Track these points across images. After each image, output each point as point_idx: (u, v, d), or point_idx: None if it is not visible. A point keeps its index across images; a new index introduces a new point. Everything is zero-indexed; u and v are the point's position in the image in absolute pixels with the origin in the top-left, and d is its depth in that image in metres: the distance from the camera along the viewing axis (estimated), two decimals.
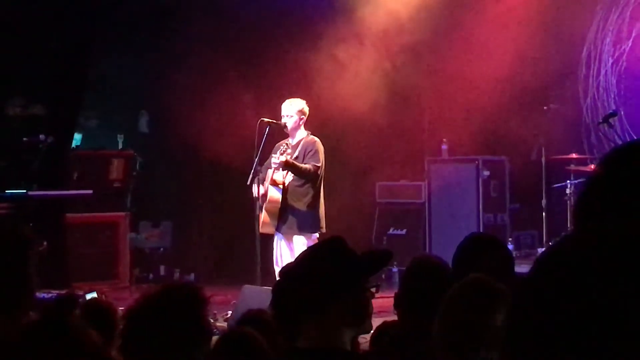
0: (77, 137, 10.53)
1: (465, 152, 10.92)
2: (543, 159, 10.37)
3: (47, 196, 9.34)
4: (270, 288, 2.87)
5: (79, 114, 10.50)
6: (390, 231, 11.21)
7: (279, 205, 7.86)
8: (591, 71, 11.00)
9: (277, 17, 10.65)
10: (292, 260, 2.99)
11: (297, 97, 8.11)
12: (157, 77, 11.03)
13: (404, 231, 11.14)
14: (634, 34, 10.69)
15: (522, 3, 10.33)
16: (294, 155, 7.86)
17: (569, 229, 9.40)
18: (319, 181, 7.92)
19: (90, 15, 10.10)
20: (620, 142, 9.43)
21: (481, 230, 10.17)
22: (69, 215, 9.91)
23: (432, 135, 11.35)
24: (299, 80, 9.64)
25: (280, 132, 8.11)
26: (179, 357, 2.76)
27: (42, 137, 9.37)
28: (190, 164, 11.32)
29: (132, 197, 10.53)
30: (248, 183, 7.88)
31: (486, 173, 10.77)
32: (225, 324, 7.41)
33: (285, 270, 2.81)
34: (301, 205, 7.87)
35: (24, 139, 9.43)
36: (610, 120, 9.54)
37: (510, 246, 9.86)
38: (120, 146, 10.93)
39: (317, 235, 7.82)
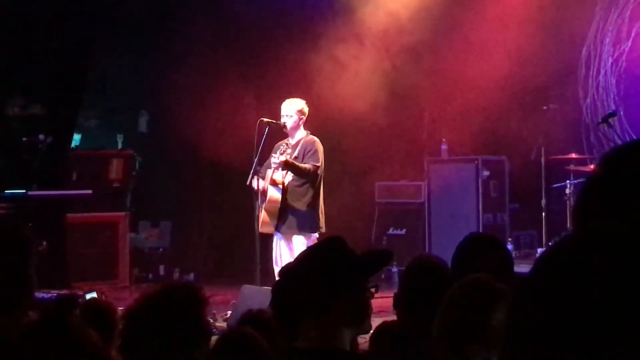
0: (76, 138, 10.53)
1: (464, 152, 10.92)
2: (543, 159, 10.37)
3: (47, 196, 9.34)
4: (270, 288, 2.87)
5: (79, 114, 10.50)
6: (390, 231, 11.21)
7: (279, 205, 7.86)
8: (591, 71, 11.00)
9: (277, 17, 10.65)
10: (292, 260, 2.99)
11: (297, 97, 8.12)
12: (157, 77, 11.03)
13: (403, 231, 11.14)
14: (633, 34, 10.69)
15: (522, 3, 10.33)
16: (294, 155, 7.86)
17: (568, 228, 9.41)
18: (318, 181, 7.92)
19: (90, 15, 10.10)
20: (619, 142, 9.44)
21: (481, 230, 10.17)
22: (68, 215, 9.91)
23: (432, 135, 11.35)
24: (299, 80, 9.64)
25: (280, 132, 8.11)
26: (178, 357, 2.76)
27: (41, 137, 9.37)
28: (190, 164, 11.32)
29: (131, 197, 10.54)
30: (247, 183, 7.88)
31: (486, 173, 10.77)
32: (224, 324, 7.41)
33: (285, 270, 2.81)
34: (301, 205, 7.87)
35: (24, 139, 9.43)
36: (610, 120, 9.54)
37: (509, 246, 9.86)
38: (119, 146, 10.94)
39: (316, 235, 7.82)
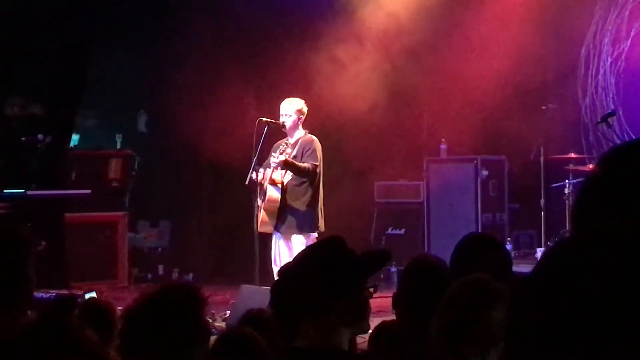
0: (75, 138, 10.53)
1: (464, 151, 10.92)
2: (542, 159, 10.37)
3: (46, 196, 9.33)
4: (269, 288, 2.87)
5: (78, 114, 10.50)
6: (389, 231, 11.20)
7: (278, 205, 7.86)
8: (590, 71, 11.00)
9: (277, 17, 10.65)
10: (291, 259, 2.98)
11: (297, 97, 8.12)
12: (156, 77, 11.03)
13: (402, 231, 11.14)
14: (632, 34, 10.69)
15: (521, 3, 10.33)
16: (292, 154, 7.86)
17: (567, 228, 9.41)
18: (317, 180, 7.92)
19: (90, 15, 10.10)
20: (618, 142, 9.44)
21: (480, 230, 10.17)
22: (67, 215, 9.91)
23: (431, 134, 11.35)
24: (298, 80, 9.64)
25: (279, 132, 8.11)
26: (177, 356, 2.75)
27: (40, 136, 9.37)
28: (189, 164, 11.32)
29: (130, 196, 10.55)
30: (247, 183, 7.89)
31: (485, 173, 10.77)
32: (223, 324, 7.42)
33: (284, 269, 2.80)
34: (300, 204, 7.87)
35: (23, 138, 9.43)
36: (609, 119, 9.55)
37: (509, 246, 9.88)
38: (118, 146, 10.93)
39: (315, 234, 7.82)
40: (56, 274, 8.63)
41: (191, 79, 10.69)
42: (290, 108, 7.97)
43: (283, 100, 8.09)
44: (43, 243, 7.90)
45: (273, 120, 7.98)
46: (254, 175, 7.82)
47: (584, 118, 10.97)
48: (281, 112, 7.99)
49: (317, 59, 9.76)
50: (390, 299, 3.82)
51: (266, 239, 8.13)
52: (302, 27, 10.23)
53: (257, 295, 6.84)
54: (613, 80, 10.86)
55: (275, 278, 2.89)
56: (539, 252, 10.16)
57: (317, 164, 7.84)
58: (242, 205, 8.80)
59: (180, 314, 2.78)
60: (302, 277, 2.66)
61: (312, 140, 7.93)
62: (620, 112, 10.49)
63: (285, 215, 7.86)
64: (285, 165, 7.73)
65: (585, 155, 10.16)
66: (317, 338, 2.61)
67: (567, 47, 10.96)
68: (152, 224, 11.45)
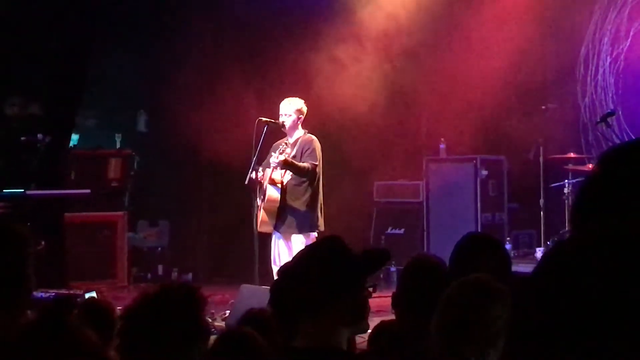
0: (75, 138, 10.53)
1: (463, 151, 10.92)
2: (541, 159, 10.37)
3: (45, 195, 9.33)
4: (269, 287, 2.87)
5: (78, 114, 10.50)
6: (389, 230, 11.20)
7: (278, 205, 7.86)
8: (589, 70, 11.00)
9: (277, 17, 10.65)
10: (290, 259, 2.98)
11: (297, 97, 8.12)
12: (156, 77, 11.03)
13: (402, 230, 11.14)
14: (632, 33, 10.69)
15: (520, 3, 10.34)
16: (292, 154, 7.86)
17: (566, 228, 9.41)
18: (317, 180, 7.92)
19: (90, 15, 10.10)
20: (618, 142, 9.44)
21: (479, 230, 10.17)
22: (67, 214, 9.90)
23: (430, 134, 11.35)
24: (299, 80, 9.64)
25: (278, 131, 8.11)
26: (176, 356, 2.75)
27: (40, 136, 9.36)
28: (188, 164, 11.31)
29: (130, 196, 10.54)
30: (246, 182, 7.89)
31: (484, 172, 10.77)
32: (223, 324, 7.42)
33: (284, 269, 2.80)
34: (299, 204, 7.86)
35: (22, 138, 9.42)
36: (608, 119, 9.55)
37: (508, 246, 9.88)
38: (118, 146, 10.93)
39: (315, 234, 7.81)
40: (56, 274, 8.62)
41: (191, 79, 10.69)
42: (290, 108, 7.97)
43: (283, 100, 8.10)
44: (42, 243, 7.89)
45: (272, 120, 7.98)
46: (253, 175, 7.82)
47: (583, 118, 10.97)
48: (280, 112, 7.99)
49: (317, 59, 9.76)
50: (389, 299, 3.82)
51: (266, 239, 8.13)
52: (302, 27, 10.24)
53: (256, 295, 6.84)
54: (612, 80, 10.86)
55: (275, 278, 2.89)
56: (538, 252, 10.16)
57: (316, 163, 7.84)
58: (242, 205, 8.80)
59: (179, 313, 2.78)
60: (301, 277, 2.66)
61: (312, 140, 7.93)
62: (620, 112, 10.49)
63: (285, 215, 7.86)
64: (285, 165, 7.73)
65: (584, 155, 10.16)
66: (316, 337, 2.61)
67: (567, 47, 10.96)
68: (151, 223, 11.44)
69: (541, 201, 10.46)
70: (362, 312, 2.71)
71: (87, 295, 6.96)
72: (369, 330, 3.52)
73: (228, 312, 7.84)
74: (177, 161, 11.36)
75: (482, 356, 2.64)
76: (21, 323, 2.80)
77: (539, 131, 10.34)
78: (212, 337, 3.23)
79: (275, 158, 7.73)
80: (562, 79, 11.03)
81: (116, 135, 10.99)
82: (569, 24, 10.66)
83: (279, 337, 2.91)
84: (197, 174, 11.43)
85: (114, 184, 10.50)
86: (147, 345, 2.74)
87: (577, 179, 9.73)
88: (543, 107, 10.46)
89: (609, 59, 10.90)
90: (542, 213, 10.43)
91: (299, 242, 7.72)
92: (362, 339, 4.16)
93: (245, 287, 7.79)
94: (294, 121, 7.94)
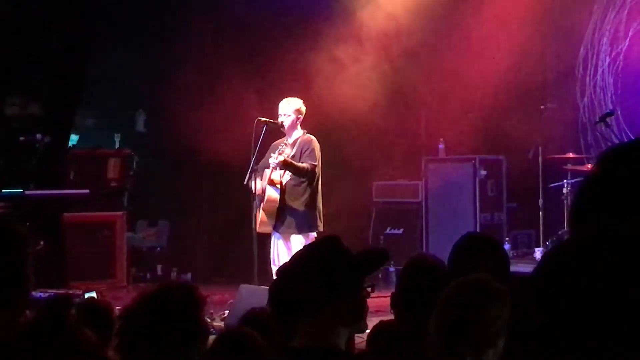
0: (74, 138, 10.53)
1: (462, 151, 10.92)
2: (540, 158, 10.37)
3: (44, 195, 9.33)
4: (268, 287, 2.87)
5: (77, 114, 10.50)
6: (387, 231, 11.20)
7: (277, 205, 7.86)
8: (588, 70, 11.00)
9: (277, 17, 10.65)
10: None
11: (296, 97, 8.12)
12: (155, 77, 11.03)
13: (401, 231, 11.14)
14: (630, 34, 10.69)
15: (520, 3, 10.34)
16: (291, 154, 7.86)
17: (565, 228, 9.41)
18: (316, 180, 7.92)
19: (90, 15, 10.10)
20: (617, 142, 9.44)
21: (478, 230, 10.17)
22: (66, 214, 9.90)
23: (429, 134, 11.35)
24: (298, 80, 9.64)
25: (277, 131, 8.11)
26: (175, 356, 2.75)
27: (39, 136, 9.36)
28: (188, 163, 11.31)
29: (129, 196, 10.53)
30: (245, 182, 7.89)
31: (483, 172, 10.77)
32: (222, 324, 7.41)
33: (282, 269, 2.80)
34: (298, 204, 7.86)
35: (22, 138, 9.42)
36: (607, 119, 9.55)
37: (507, 246, 9.88)
38: (117, 145, 10.93)
39: (314, 234, 7.82)
40: (55, 274, 8.62)
41: (191, 79, 10.69)
42: (289, 108, 7.97)
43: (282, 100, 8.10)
44: (42, 243, 7.90)
45: (272, 120, 7.98)
46: (252, 184, 7.82)
47: (582, 118, 10.97)
48: (280, 112, 7.99)
49: (317, 59, 9.76)
50: (388, 299, 3.82)
51: (265, 239, 8.13)
52: (302, 27, 10.24)
53: (255, 295, 6.84)
54: (611, 80, 10.87)
55: (274, 278, 2.89)
56: (537, 252, 10.16)
57: (315, 163, 7.84)
58: (241, 205, 8.80)
59: (178, 313, 2.78)
60: (300, 277, 2.66)
61: (311, 140, 7.93)
62: (619, 112, 10.49)
63: (284, 216, 7.86)
64: (284, 165, 7.73)
65: (583, 155, 10.16)
66: (315, 337, 2.61)
67: (566, 47, 10.96)
68: (150, 223, 11.44)
69: (540, 201, 10.46)
70: (361, 312, 2.71)
71: (86, 295, 6.96)
72: (368, 330, 3.52)
73: (227, 312, 7.83)
74: (177, 161, 11.36)
75: (481, 356, 2.64)
76: (20, 323, 2.80)
77: (538, 131, 10.34)
78: (211, 337, 3.23)
79: (274, 159, 7.73)
80: (562, 79, 11.03)
81: (115, 135, 10.99)
82: (568, 24, 10.66)
83: (278, 337, 2.91)
84: (197, 174, 11.43)
85: (113, 184, 10.49)
86: (146, 345, 2.74)
87: (576, 179, 9.74)
88: (542, 107, 10.46)
89: (608, 59, 10.90)
90: (541, 213, 10.43)
91: (298, 242, 7.72)
92: (360, 339, 4.16)
93: (245, 287, 7.78)
94: (293, 121, 7.93)
